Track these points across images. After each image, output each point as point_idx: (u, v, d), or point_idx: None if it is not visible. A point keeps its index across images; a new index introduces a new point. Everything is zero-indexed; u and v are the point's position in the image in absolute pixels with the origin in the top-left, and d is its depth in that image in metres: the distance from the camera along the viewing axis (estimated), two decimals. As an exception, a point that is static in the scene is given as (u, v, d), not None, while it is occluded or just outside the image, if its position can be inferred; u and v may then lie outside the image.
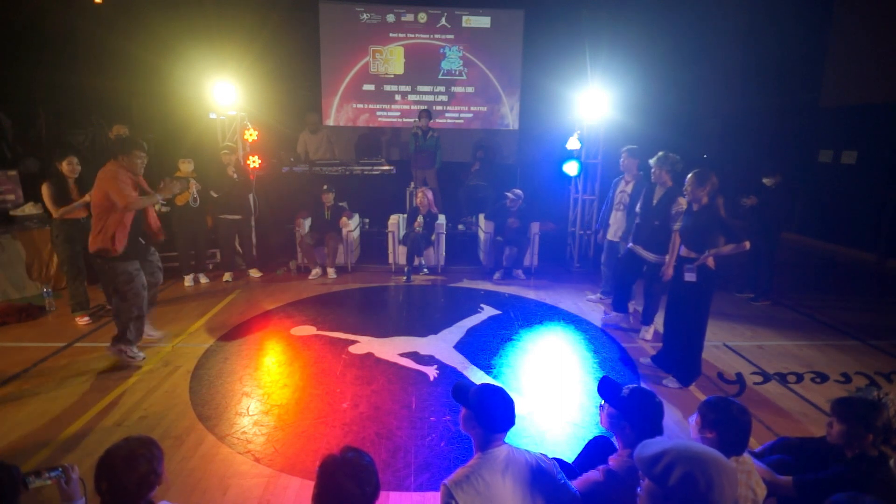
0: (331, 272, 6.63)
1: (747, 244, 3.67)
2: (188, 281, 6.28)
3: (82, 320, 4.98)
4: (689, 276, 3.76)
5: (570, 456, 2.51)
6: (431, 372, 4.14)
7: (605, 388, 2.12)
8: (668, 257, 4.41)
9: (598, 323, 5.29)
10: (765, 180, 5.86)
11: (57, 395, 3.68)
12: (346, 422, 3.42)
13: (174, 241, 6.11)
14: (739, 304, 5.95)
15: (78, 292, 5.02)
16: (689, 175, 3.82)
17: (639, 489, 1.65)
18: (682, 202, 4.37)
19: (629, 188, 5.38)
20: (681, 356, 3.99)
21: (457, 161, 9.26)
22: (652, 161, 4.69)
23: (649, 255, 4.71)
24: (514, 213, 6.75)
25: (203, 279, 6.40)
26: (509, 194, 6.77)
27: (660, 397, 2.07)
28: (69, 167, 4.85)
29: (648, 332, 4.94)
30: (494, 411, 1.88)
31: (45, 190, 4.77)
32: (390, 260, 6.97)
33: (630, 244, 4.94)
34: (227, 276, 6.48)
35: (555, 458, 2.16)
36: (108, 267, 3.98)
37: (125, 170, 3.95)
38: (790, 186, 6.08)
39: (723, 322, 5.34)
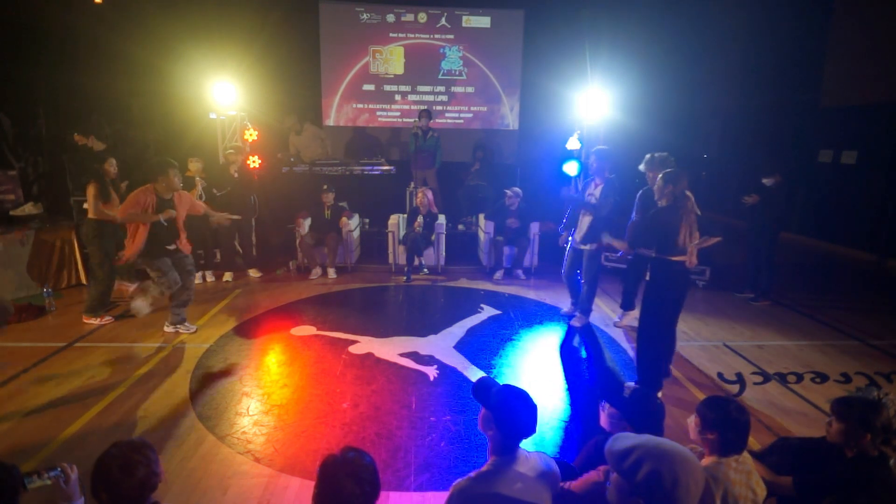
0: (331, 272, 6.63)
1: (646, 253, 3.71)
2: (195, 279, 6.34)
3: (91, 320, 4.99)
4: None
5: (569, 456, 2.51)
6: (431, 372, 4.14)
7: (607, 389, 2.12)
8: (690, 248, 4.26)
9: (599, 324, 5.29)
10: (764, 180, 5.85)
11: (57, 396, 3.68)
12: (346, 422, 3.42)
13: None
14: (739, 304, 5.95)
15: (98, 296, 5.05)
16: (661, 174, 3.75)
17: (608, 482, 1.67)
18: (689, 195, 4.27)
19: (597, 191, 5.04)
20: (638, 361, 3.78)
21: (457, 161, 9.26)
22: (642, 167, 4.60)
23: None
24: (514, 212, 6.75)
25: (209, 277, 6.47)
26: (508, 192, 6.77)
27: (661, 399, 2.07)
28: (111, 168, 5.21)
29: None
30: (516, 416, 1.79)
31: (92, 189, 5.02)
32: (390, 260, 6.97)
33: (641, 249, 4.69)
34: (227, 276, 6.50)
35: (555, 458, 2.16)
36: (146, 265, 4.64)
37: (150, 192, 4.48)
38: (789, 186, 6.08)
39: (723, 322, 5.35)
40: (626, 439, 1.60)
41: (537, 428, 1.86)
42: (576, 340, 4.89)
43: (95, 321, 4.99)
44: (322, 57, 9.44)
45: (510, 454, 1.81)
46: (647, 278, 3.73)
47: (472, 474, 1.81)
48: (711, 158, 11.90)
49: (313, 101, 9.52)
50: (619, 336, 5.00)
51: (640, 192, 4.78)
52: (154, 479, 1.68)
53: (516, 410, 1.80)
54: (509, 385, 1.88)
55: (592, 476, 1.98)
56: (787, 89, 10.09)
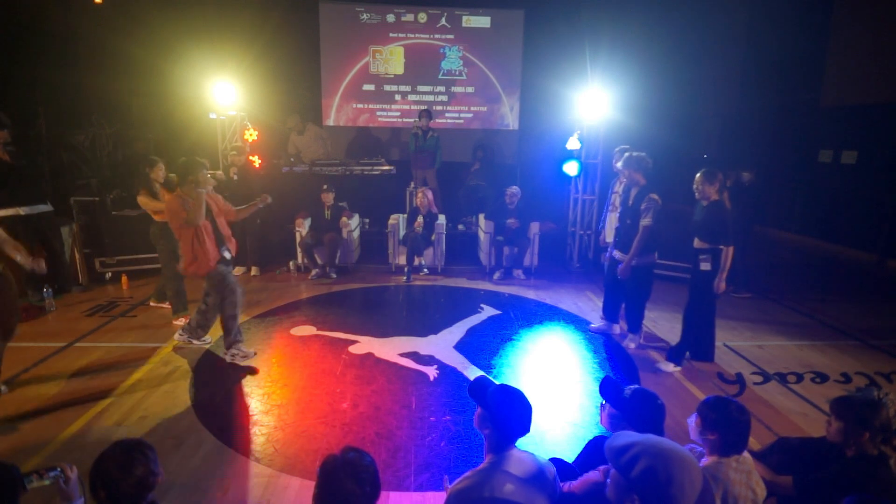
0: (331, 272, 6.63)
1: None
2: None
3: (178, 321, 4.91)
4: (705, 266, 4.00)
5: (570, 456, 2.51)
6: (431, 372, 4.14)
7: (607, 389, 2.12)
8: (629, 254, 4.42)
9: (596, 324, 5.28)
10: (744, 174, 5.93)
11: (57, 395, 3.68)
12: (346, 422, 3.42)
13: None
14: (739, 304, 5.94)
15: (175, 294, 5.02)
16: (698, 174, 3.96)
17: (607, 479, 1.69)
18: (656, 197, 4.33)
19: (621, 189, 5.09)
20: (694, 338, 4.23)
21: (457, 161, 9.26)
22: (619, 164, 4.64)
23: (623, 256, 4.53)
24: (514, 212, 6.75)
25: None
26: (508, 191, 6.78)
27: (661, 399, 2.07)
28: (160, 173, 5.12)
29: (634, 342, 4.69)
30: (510, 416, 1.83)
31: (143, 198, 4.93)
32: (390, 260, 6.97)
33: (613, 249, 4.80)
34: (254, 271, 6.67)
35: (554, 458, 2.15)
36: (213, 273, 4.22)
37: (183, 198, 4.06)
38: (763, 184, 6.27)
39: (723, 322, 5.32)
40: (627, 436, 1.63)
41: (533, 428, 1.88)
42: (576, 341, 4.89)
43: (181, 321, 4.82)
44: (322, 57, 9.44)
45: (505, 453, 1.84)
46: (703, 269, 4.03)
47: (468, 474, 1.83)
48: (711, 158, 11.88)
49: (313, 102, 9.53)
50: (623, 336, 5.00)
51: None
52: (152, 478, 1.68)
53: (511, 409, 1.83)
54: (504, 384, 1.92)
55: (592, 476, 1.98)
56: (787, 89, 10.09)
